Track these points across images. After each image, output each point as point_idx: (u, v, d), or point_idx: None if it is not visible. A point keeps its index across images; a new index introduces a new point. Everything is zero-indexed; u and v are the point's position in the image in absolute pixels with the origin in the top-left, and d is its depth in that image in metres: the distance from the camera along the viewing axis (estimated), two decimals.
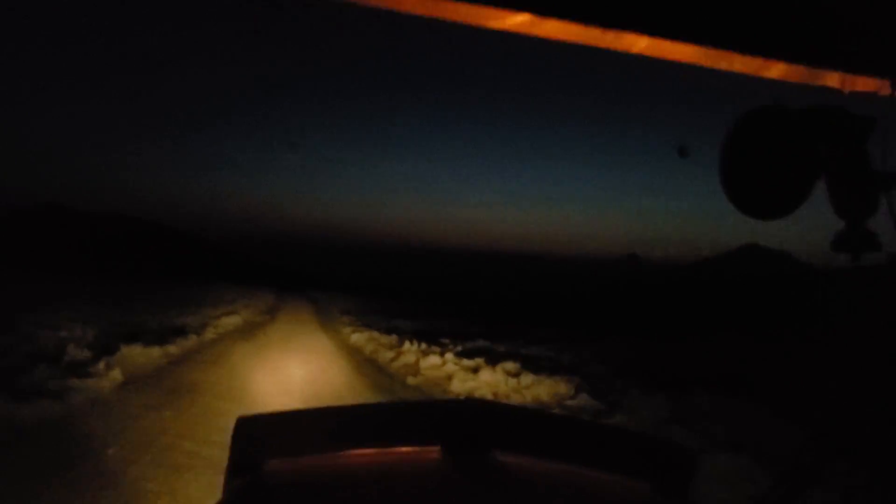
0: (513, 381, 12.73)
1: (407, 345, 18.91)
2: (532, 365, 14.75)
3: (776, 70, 0.98)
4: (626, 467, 1.31)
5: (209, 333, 22.32)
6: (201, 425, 8.26)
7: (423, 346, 18.37)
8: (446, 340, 20.73)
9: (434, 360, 15.46)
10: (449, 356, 15.95)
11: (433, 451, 1.29)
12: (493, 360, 15.61)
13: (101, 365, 11.38)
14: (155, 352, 13.73)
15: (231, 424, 1.40)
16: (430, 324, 33.94)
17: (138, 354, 13.01)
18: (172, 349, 15.36)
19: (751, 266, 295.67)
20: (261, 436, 1.37)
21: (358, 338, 24.38)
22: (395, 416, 1.50)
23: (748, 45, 0.96)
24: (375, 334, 25.23)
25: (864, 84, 1.02)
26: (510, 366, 14.24)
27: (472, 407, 1.55)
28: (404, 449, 1.33)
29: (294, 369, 14.65)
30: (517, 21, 0.86)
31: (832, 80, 1.00)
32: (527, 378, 12.82)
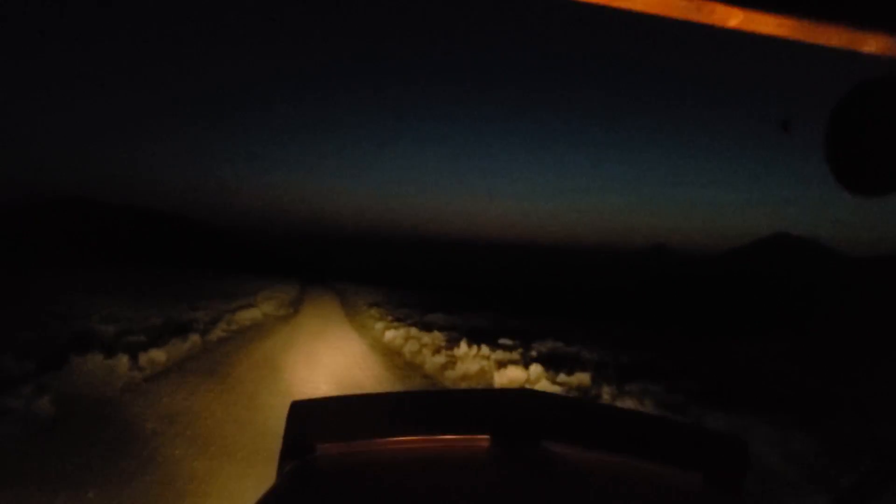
0: None
1: (463, 347, 14.72)
2: (690, 388, 10.05)
3: (874, 43, 0.88)
4: (677, 458, 1.29)
5: (218, 331, 18.52)
6: None
7: (485, 349, 14.23)
8: (508, 341, 16.51)
9: (516, 373, 11.09)
10: (536, 368, 11.51)
11: (483, 440, 1.29)
12: (605, 375, 11.28)
13: (28, 389, 7.52)
14: (122, 363, 9.74)
15: None
16: (473, 318, 30.02)
17: (95, 369, 9.09)
18: (158, 356, 11.49)
19: (785, 256, 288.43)
20: (314, 420, 1.35)
21: (393, 335, 20.39)
22: (445, 404, 1.48)
23: (845, 16, 0.86)
24: (414, 331, 21.24)
25: None
26: (655, 389, 9.54)
27: (523, 396, 1.52)
28: (454, 437, 1.32)
29: (320, 383, 10.85)
30: None
31: None
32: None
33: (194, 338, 14.92)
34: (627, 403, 8.75)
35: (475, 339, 16.10)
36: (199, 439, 6.66)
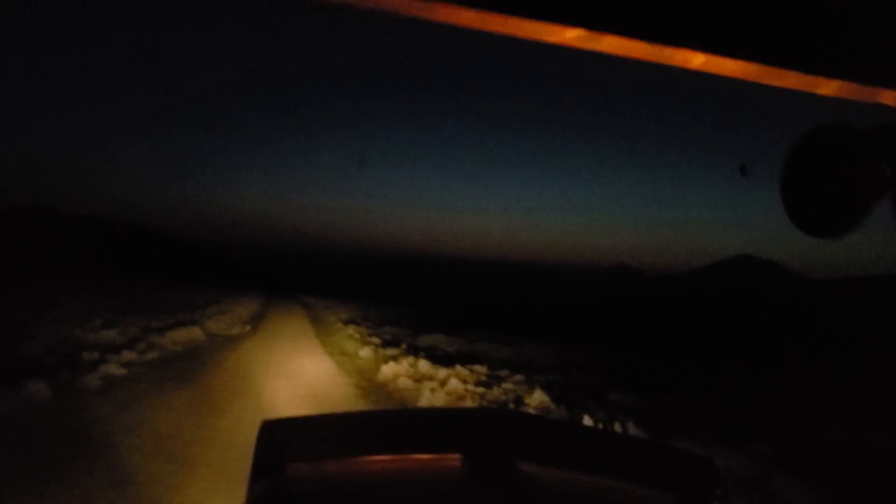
0: None
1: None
2: None
3: (830, 87, 0.93)
4: (648, 478, 1.26)
5: (112, 367, 11.41)
6: None
7: (596, 412, 7.44)
8: (617, 396, 9.64)
9: None
10: None
11: (453, 459, 1.26)
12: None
13: None
14: None
15: None
16: (487, 343, 23.28)
17: None
18: None
19: (747, 276, 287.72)
20: (285, 439, 1.33)
21: (393, 372, 13.48)
22: (417, 422, 1.46)
23: (802, 61, 0.90)
24: (424, 365, 14.34)
25: None
26: None
27: (494, 415, 1.55)
28: (425, 456, 1.28)
29: None
30: (573, 35, 0.84)
31: (888, 97, 0.94)
32: None
33: (37, 388, 7.76)
34: None
35: (550, 387, 9.25)
36: None
